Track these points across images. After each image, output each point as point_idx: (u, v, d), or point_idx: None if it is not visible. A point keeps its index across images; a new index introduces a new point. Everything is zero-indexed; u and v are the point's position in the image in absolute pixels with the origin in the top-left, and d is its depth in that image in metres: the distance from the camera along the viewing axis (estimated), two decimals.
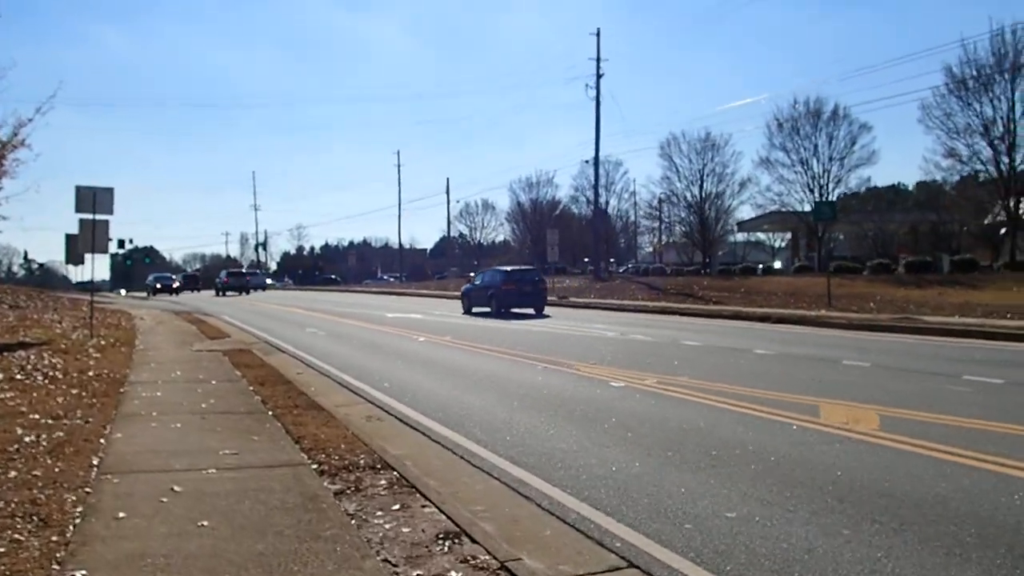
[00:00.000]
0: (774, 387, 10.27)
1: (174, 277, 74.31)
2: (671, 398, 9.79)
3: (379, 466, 6.40)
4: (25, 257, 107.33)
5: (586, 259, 73.03)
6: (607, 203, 75.94)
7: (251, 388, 10.86)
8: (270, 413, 8.85)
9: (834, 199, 43.98)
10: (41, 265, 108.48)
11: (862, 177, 49.97)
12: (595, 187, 58.20)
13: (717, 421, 8.26)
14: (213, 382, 11.51)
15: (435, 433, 8.12)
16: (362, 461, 6.53)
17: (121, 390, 10.56)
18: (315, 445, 7.10)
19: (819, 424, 7.93)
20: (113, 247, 70.69)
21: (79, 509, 5.07)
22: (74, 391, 10.20)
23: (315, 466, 6.37)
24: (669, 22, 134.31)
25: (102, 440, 7.24)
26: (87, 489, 5.56)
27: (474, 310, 29.06)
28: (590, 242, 68.69)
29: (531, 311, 27.65)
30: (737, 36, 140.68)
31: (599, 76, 50.90)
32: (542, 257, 71.83)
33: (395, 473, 6.18)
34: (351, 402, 10.37)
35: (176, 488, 5.59)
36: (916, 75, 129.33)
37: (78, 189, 17.64)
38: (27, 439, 7.03)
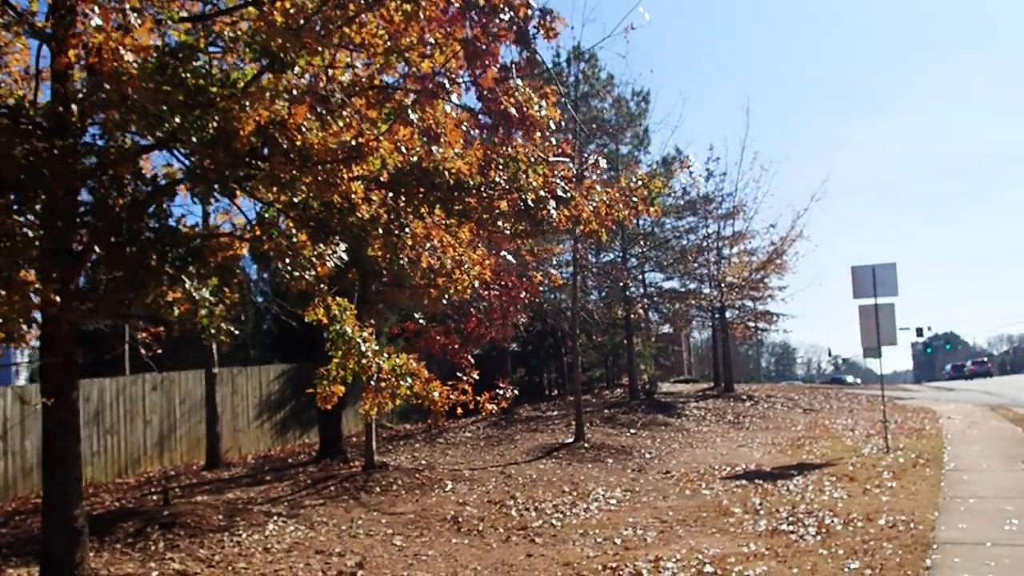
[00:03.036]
0: None
1: None
2: None
3: None
4: (829, 353, 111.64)
5: None
6: None
7: None
8: None
9: None
10: (844, 360, 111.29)
11: None
12: None
13: None
14: None
15: None
16: None
17: (925, 563, 6.61)
18: None
19: None
20: (911, 336, 66.51)
21: None
22: (852, 564, 6.69)
23: None
24: None
25: None
26: None
27: None
28: None
29: None
30: None
31: None
32: None
33: None
34: None
35: None
36: None
37: (854, 270, 15.39)
38: None
